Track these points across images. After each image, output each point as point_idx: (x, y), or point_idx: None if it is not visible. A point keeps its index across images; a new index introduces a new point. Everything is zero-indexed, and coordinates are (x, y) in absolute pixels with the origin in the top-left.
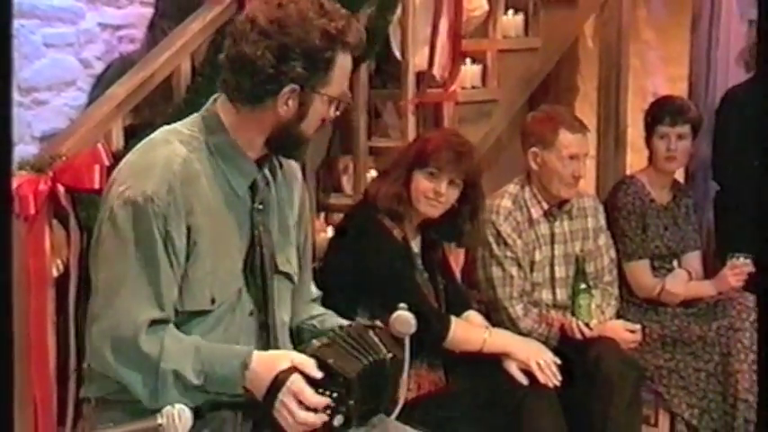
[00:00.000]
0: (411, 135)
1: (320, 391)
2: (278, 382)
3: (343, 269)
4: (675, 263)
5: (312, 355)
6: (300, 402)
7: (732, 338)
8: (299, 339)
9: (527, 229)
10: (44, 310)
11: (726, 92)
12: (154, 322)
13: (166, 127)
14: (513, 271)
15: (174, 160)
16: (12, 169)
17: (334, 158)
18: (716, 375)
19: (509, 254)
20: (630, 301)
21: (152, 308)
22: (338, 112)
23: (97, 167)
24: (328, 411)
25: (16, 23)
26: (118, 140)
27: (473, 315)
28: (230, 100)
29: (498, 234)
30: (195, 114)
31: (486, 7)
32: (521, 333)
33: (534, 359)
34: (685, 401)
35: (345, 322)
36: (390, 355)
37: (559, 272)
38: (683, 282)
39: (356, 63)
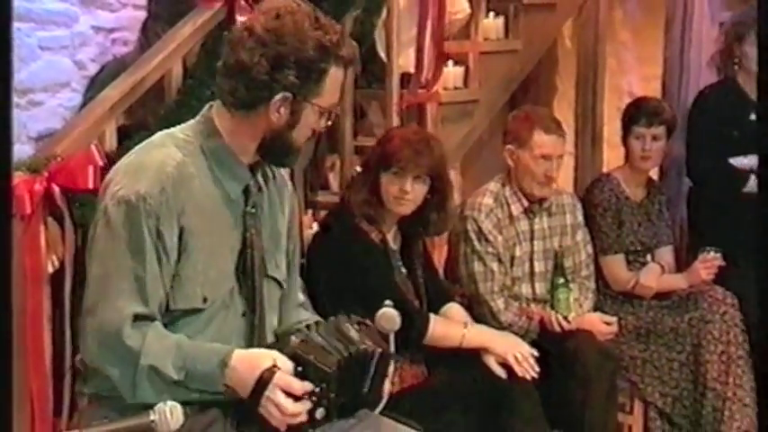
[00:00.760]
0: None
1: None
2: (264, 380)
3: (324, 274)
4: (649, 257)
5: (291, 353)
6: (288, 394)
7: (703, 330)
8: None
9: (507, 226)
10: (40, 306)
11: (698, 93)
12: (138, 317)
13: (163, 131)
14: (494, 266)
15: (168, 163)
16: (12, 172)
17: (321, 157)
18: (687, 365)
19: (490, 249)
20: (607, 295)
21: (136, 303)
22: (329, 123)
23: (91, 168)
24: (310, 405)
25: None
26: (111, 141)
27: (455, 308)
28: (225, 105)
29: (480, 230)
30: (192, 120)
31: (468, 10)
32: (502, 326)
33: (512, 353)
34: (658, 390)
35: None
36: (372, 346)
37: (539, 267)
38: (657, 275)
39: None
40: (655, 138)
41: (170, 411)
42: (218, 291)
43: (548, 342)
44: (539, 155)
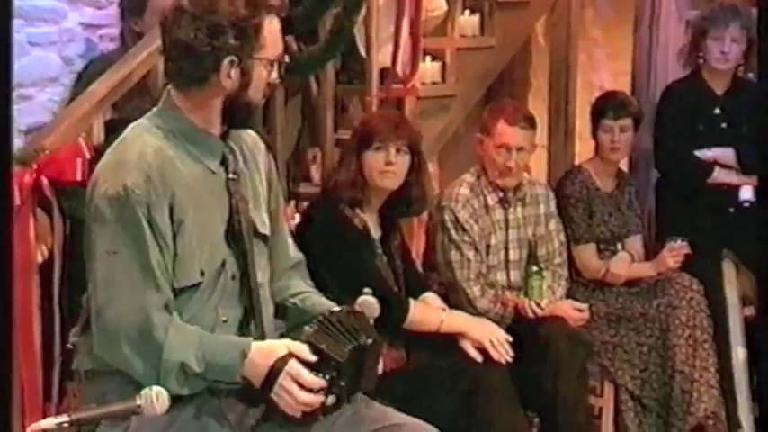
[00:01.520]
0: None
1: (315, 373)
2: (276, 368)
3: (309, 258)
4: (619, 246)
5: (306, 341)
6: (299, 384)
7: (671, 315)
8: (282, 315)
9: (483, 216)
10: (30, 295)
11: (665, 88)
12: (158, 308)
13: (132, 124)
14: (471, 255)
15: (146, 152)
16: (12, 167)
17: (303, 150)
18: (656, 349)
19: (466, 238)
20: (578, 282)
21: (151, 291)
22: (281, 74)
23: (79, 161)
24: (322, 392)
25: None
26: (99, 135)
27: (431, 297)
28: (178, 87)
29: (456, 220)
30: (154, 108)
31: (445, 8)
32: (478, 313)
33: (487, 337)
34: (628, 373)
35: (326, 301)
36: (371, 340)
37: (513, 255)
38: (626, 263)
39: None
40: (622, 130)
41: (156, 396)
42: (212, 262)
43: (522, 327)
44: (498, 144)
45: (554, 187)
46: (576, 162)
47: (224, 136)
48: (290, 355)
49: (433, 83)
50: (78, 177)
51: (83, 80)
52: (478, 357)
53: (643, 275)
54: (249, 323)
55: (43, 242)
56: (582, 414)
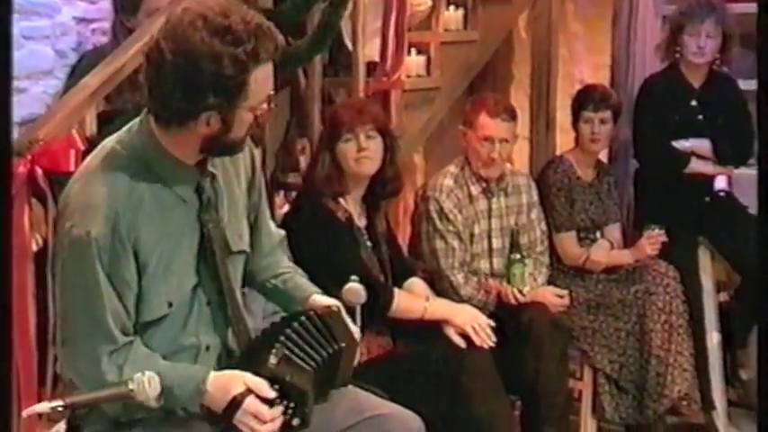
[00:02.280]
0: None
1: (278, 401)
2: (234, 404)
3: (295, 250)
4: (599, 234)
5: (269, 374)
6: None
7: (647, 301)
8: (264, 293)
9: (467, 205)
10: (25, 282)
11: (644, 81)
12: (109, 354)
13: (105, 147)
14: (455, 243)
15: (114, 197)
16: (12, 160)
17: (291, 141)
18: (633, 334)
19: (451, 228)
20: (559, 269)
21: (102, 342)
22: (270, 108)
23: (72, 151)
24: (287, 417)
25: None
26: (91, 126)
27: (417, 283)
28: (155, 120)
29: (441, 210)
30: (132, 127)
31: (430, 3)
32: (461, 299)
33: (470, 324)
34: (607, 357)
35: (306, 282)
36: (342, 345)
37: (496, 243)
38: (606, 251)
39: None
40: (602, 121)
41: (148, 381)
42: (181, 292)
43: (504, 314)
44: (482, 136)
45: (536, 177)
46: (558, 152)
47: (202, 163)
48: (249, 391)
49: (419, 76)
50: (72, 168)
51: (76, 73)
52: (462, 343)
53: (621, 263)
54: (230, 348)
55: (37, 231)
56: (562, 397)
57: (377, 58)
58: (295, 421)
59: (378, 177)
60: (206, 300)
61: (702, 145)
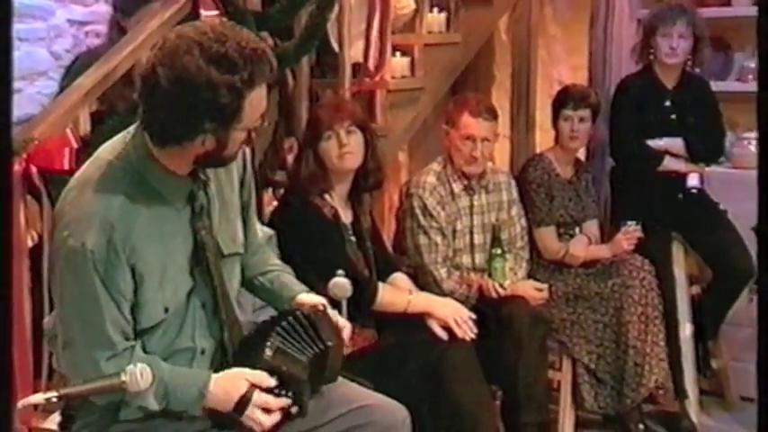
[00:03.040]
0: None
1: (276, 392)
2: (244, 401)
3: (284, 243)
4: (577, 229)
5: (266, 366)
6: (265, 410)
7: (624, 294)
8: (251, 290)
9: (450, 202)
10: (20, 277)
11: (620, 81)
12: (108, 359)
13: (100, 157)
14: (438, 239)
15: (110, 210)
16: (12, 158)
17: (279, 140)
18: (610, 326)
19: (434, 224)
20: (539, 263)
21: (101, 348)
22: (263, 123)
23: (67, 150)
24: (287, 406)
25: None
26: (85, 126)
27: (400, 277)
28: (150, 138)
29: (424, 207)
30: (126, 137)
31: (414, 6)
32: (444, 293)
33: (452, 317)
34: (585, 349)
35: (293, 281)
36: (330, 342)
37: (478, 239)
38: (584, 246)
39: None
40: (581, 120)
41: (140, 373)
42: (176, 297)
43: (486, 307)
44: (464, 135)
45: (516, 174)
46: (537, 151)
47: (194, 172)
48: (253, 387)
49: (403, 76)
50: (66, 166)
51: (70, 74)
52: (444, 335)
53: (599, 257)
54: (225, 351)
55: (33, 228)
56: (542, 387)
57: (362, 60)
58: (294, 409)
59: (360, 171)
60: (200, 303)
61: (675, 144)
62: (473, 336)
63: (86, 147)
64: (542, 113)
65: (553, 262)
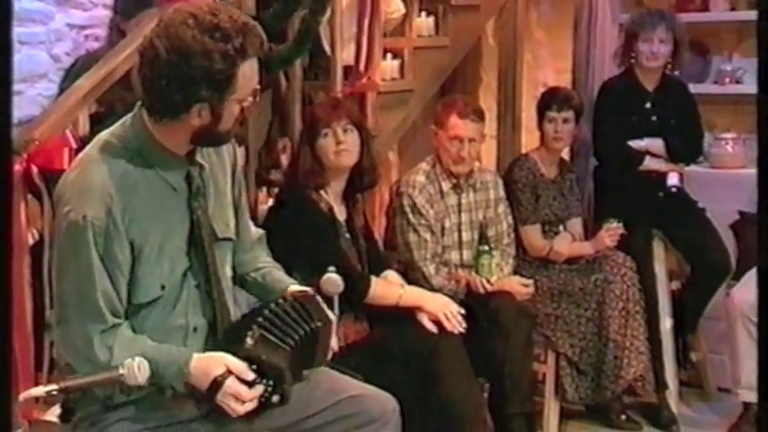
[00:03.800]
0: None
1: (257, 380)
2: (216, 385)
3: (279, 239)
4: (561, 227)
5: (246, 355)
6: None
7: (606, 289)
8: (243, 286)
9: (438, 200)
10: (21, 273)
11: (602, 84)
12: (100, 333)
13: (100, 139)
14: (427, 236)
15: (109, 182)
16: (12, 158)
17: (273, 140)
18: (593, 320)
19: (423, 222)
20: (524, 260)
21: (94, 322)
22: (256, 102)
23: (66, 150)
24: (266, 394)
25: None
26: (84, 127)
27: (391, 274)
28: (149, 114)
29: (414, 205)
30: (126, 121)
31: (403, 10)
32: (433, 288)
33: (442, 311)
34: (568, 342)
35: (284, 276)
36: (319, 323)
37: (466, 236)
38: (568, 243)
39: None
40: (565, 121)
41: (138, 366)
42: (173, 275)
43: (473, 302)
44: (452, 135)
45: (503, 174)
46: (523, 151)
47: (192, 153)
48: (229, 372)
49: (393, 79)
50: (65, 166)
51: (70, 76)
52: (434, 329)
53: (582, 253)
54: (216, 329)
55: (34, 226)
56: (527, 379)
57: (353, 62)
58: (275, 398)
59: (356, 169)
60: (195, 283)
61: (656, 144)
62: (462, 330)
63: (85, 147)
64: (528, 115)
65: (538, 258)
